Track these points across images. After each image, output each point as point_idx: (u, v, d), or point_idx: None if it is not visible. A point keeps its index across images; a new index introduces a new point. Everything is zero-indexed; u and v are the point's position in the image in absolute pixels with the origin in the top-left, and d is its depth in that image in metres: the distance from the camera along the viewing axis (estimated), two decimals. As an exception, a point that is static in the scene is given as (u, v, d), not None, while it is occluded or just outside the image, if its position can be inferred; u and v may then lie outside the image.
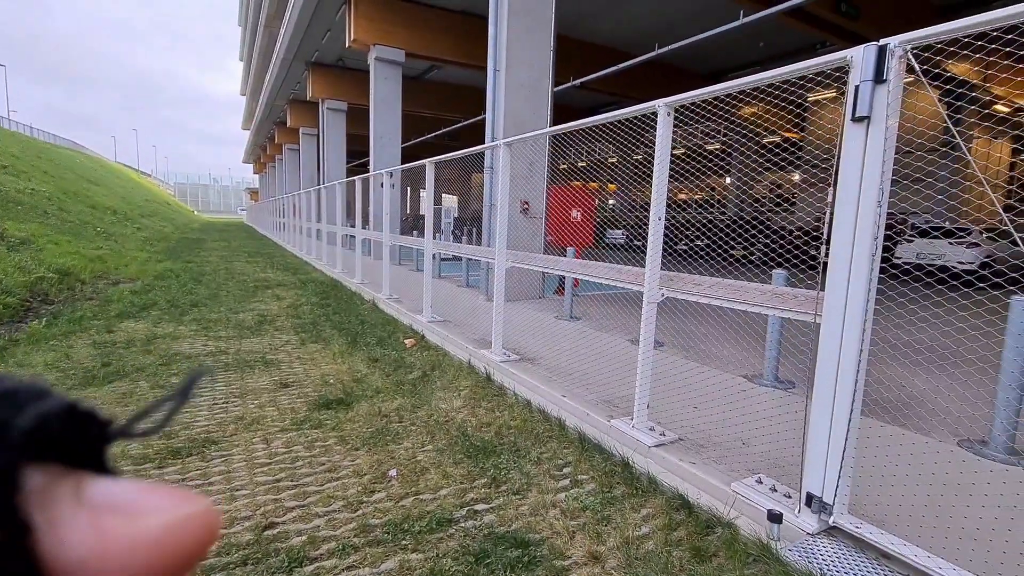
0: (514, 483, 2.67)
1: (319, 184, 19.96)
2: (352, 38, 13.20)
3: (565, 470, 2.84)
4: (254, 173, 65.87)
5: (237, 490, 2.55)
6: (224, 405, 3.66)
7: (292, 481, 2.65)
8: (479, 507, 2.46)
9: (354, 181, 9.31)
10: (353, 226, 10.36)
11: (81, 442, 0.21)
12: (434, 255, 6.90)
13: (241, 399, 3.79)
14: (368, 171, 13.27)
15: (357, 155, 24.93)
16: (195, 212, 66.31)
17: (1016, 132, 16.00)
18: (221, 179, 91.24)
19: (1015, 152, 17.48)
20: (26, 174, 17.12)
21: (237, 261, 13.39)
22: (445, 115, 20.64)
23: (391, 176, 7.92)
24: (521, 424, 3.42)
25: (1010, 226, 1.93)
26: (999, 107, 15.69)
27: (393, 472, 2.75)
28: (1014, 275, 2.14)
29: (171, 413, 0.23)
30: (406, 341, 5.55)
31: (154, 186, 57.90)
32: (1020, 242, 1.81)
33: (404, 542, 2.18)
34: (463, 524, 2.32)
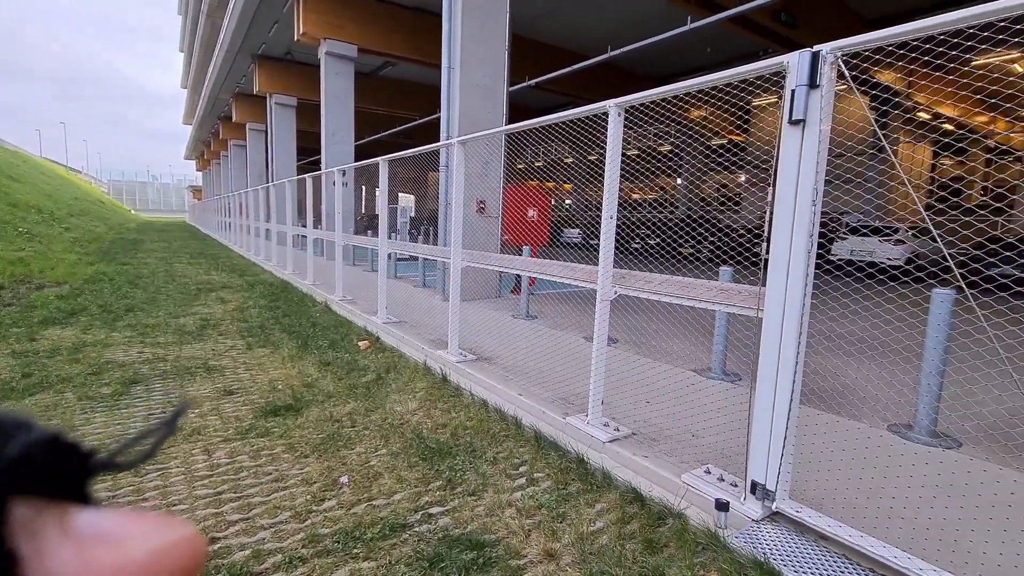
0: (470, 484, 2.64)
1: (268, 182, 19.19)
2: (301, 31, 12.77)
3: (521, 469, 2.83)
4: (197, 170, 62.63)
5: (174, 505, 2.41)
6: (161, 415, 3.45)
7: (235, 493, 2.52)
8: (434, 510, 2.42)
9: (305, 179, 9.00)
10: (304, 226, 10.01)
11: (64, 474, 0.21)
12: (389, 255, 6.76)
13: (181, 408, 3.58)
14: (320, 169, 12.87)
15: (308, 152, 24.16)
16: (132, 211, 62.43)
17: (935, 137, 17.30)
18: (161, 176, 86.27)
19: (935, 155, 18.92)
20: (-67, 169, 15.63)
21: (178, 263, 12.68)
22: (399, 113, 20.31)
23: (344, 174, 7.71)
24: (477, 424, 3.39)
25: (930, 224, 2.06)
26: (921, 114, 16.92)
27: (344, 479, 2.67)
28: (935, 270, 2.30)
29: (156, 445, 0.24)
30: (360, 343, 5.41)
31: (86, 183, 54.02)
32: (939, 239, 1.95)
33: (355, 550, 2.11)
34: (417, 528, 2.27)
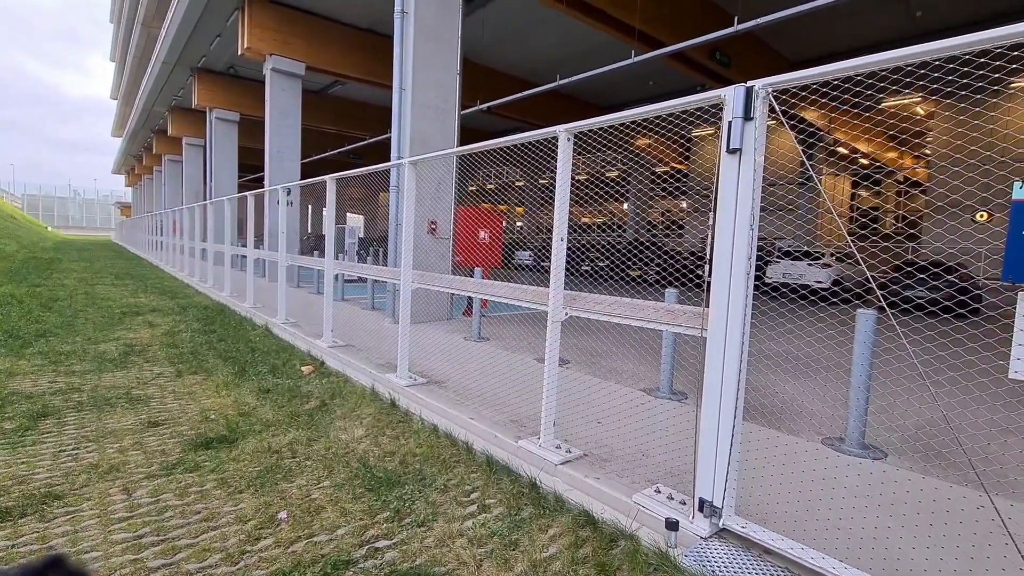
0: (419, 514, 2.54)
1: (206, 199, 18.26)
2: (245, 46, 12.42)
3: (472, 496, 2.76)
4: (127, 185, 58.85)
5: (85, 552, 2.16)
6: (74, 452, 3.12)
7: (158, 536, 2.30)
8: (380, 544, 2.29)
9: (246, 197, 8.63)
10: (244, 245, 9.56)
11: None
12: (336, 276, 6.55)
13: (97, 443, 3.26)
14: (263, 186, 12.41)
15: (251, 169, 23.30)
16: (49, 228, 57.61)
17: (854, 168, 18.94)
18: (84, 191, 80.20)
19: (854, 185, 20.67)
20: None
21: (101, 284, 11.75)
22: (349, 132, 20.04)
23: (289, 192, 7.46)
24: (427, 451, 3.29)
25: (853, 248, 2.22)
26: (841, 149, 18.50)
27: (283, 514, 2.49)
28: (859, 291, 2.47)
29: None
30: (303, 368, 5.17)
31: (-5, 197, 49.48)
32: (862, 263, 2.09)
33: (294, 593, 1.96)
34: (362, 564, 2.14)
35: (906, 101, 15.68)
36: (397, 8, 7.39)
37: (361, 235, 17.82)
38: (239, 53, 12.97)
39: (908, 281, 7.27)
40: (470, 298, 7.20)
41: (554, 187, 2.97)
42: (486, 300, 6.22)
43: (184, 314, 8.11)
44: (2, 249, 19.29)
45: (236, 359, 5.46)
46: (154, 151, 30.68)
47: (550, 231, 3.07)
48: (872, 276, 2.08)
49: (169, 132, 23.87)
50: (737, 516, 2.23)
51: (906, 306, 2.60)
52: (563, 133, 2.92)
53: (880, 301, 2.03)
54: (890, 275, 8.11)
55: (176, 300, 9.54)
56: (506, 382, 4.30)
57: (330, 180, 5.56)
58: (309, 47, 13.08)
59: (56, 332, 6.34)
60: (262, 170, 14.00)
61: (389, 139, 7.71)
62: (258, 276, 9.13)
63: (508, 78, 16.31)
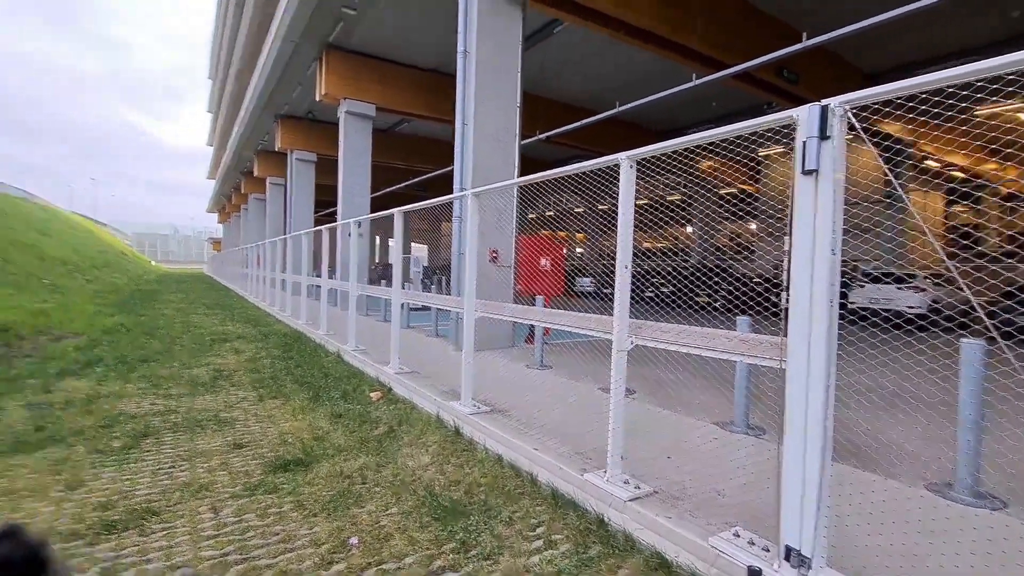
0: (485, 547, 2.51)
1: (285, 233, 19.73)
2: (323, 92, 13.48)
3: (538, 530, 2.70)
4: (218, 223, 64.70)
5: (178, 567, 2.31)
6: (170, 470, 3.39)
7: (242, 555, 2.42)
8: (447, 575, 2.29)
9: (321, 231, 9.22)
10: (319, 276, 10.16)
11: None
12: (402, 305, 6.80)
13: (189, 462, 3.52)
14: (336, 220, 13.23)
15: (325, 205, 24.88)
16: (153, 263, 64.16)
17: (950, 186, 17.36)
18: (182, 229, 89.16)
19: (949, 203, 18.92)
20: (-30, 224, 16.33)
21: (195, 314, 12.87)
22: (415, 166, 21.02)
23: (359, 225, 7.89)
24: (492, 481, 3.27)
25: (955, 272, 2.02)
26: (930, 163, 17.08)
27: (354, 540, 2.55)
28: (963, 319, 2.23)
29: None
30: (372, 394, 5.35)
31: (110, 236, 56.00)
32: (966, 288, 1.90)
33: (364, 621, 1.98)
34: (429, 596, 2.14)
35: (1005, 109, 14.33)
36: (460, 48, 7.77)
37: (425, 264, 18.46)
38: (317, 99, 14.09)
39: (1021, 309, 6.47)
40: (532, 326, 7.21)
41: (614, 212, 2.95)
42: (548, 328, 6.21)
43: (265, 341, 8.68)
44: (114, 282, 21.69)
45: (311, 384, 5.74)
46: (242, 191, 33.65)
47: (611, 257, 3.03)
48: (978, 303, 1.87)
49: (255, 173, 26.15)
50: (830, 568, 2.03)
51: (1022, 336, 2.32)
52: (625, 161, 2.91)
53: (990, 330, 1.82)
54: (999, 301, 7.26)
55: (259, 328, 10.25)
56: (570, 412, 4.22)
57: (398, 213, 5.83)
58: (379, 89, 14.00)
59: (157, 358, 6.97)
60: (335, 205, 14.95)
61: (451, 171, 8.01)
62: (331, 305, 9.64)
63: (567, 107, 16.56)
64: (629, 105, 11.04)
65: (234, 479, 3.26)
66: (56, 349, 7.45)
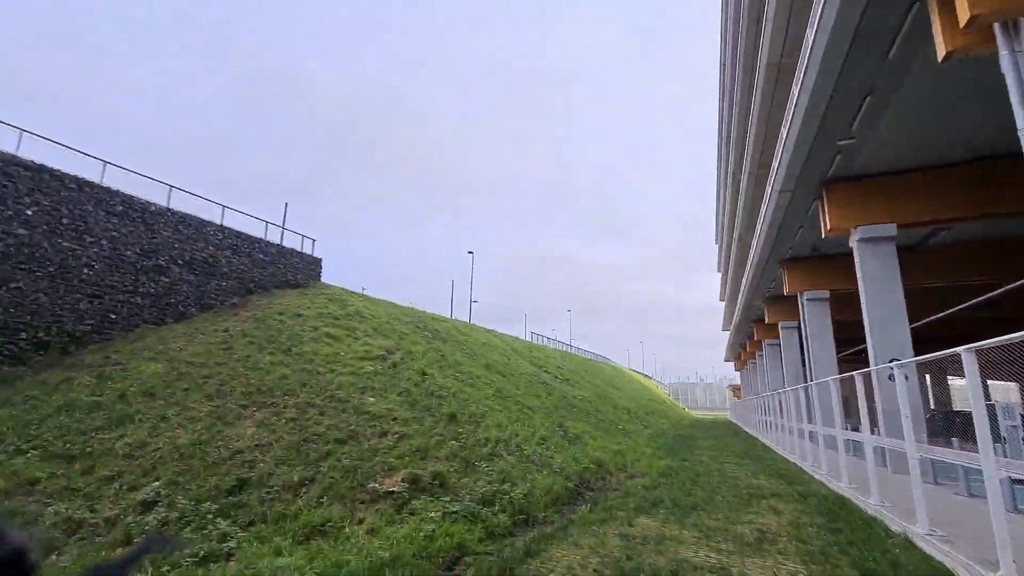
0: None
1: (804, 378, 18.54)
2: (828, 228, 12.95)
3: None
4: (735, 370, 68.45)
5: None
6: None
7: None
8: None
9: (853, 377, 8.17)
10: (855, 430, 8.77)
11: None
12: (1007, 479, 4.82)
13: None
14: (865, 358, 11.46)
15: (847, 343, 22.32)
16: (685, 408, 73.20)
17: None
18: (706, 377, 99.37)
19: None
20: (579, 384, 23.85)
21: (727, 462, 13.45)
22: (969, 280, 16.23)
23: (901, 368, 6.53)
24: None
25: None
26: None
27: None
28: None
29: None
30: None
31: (654, 387, 68.69)
32: None
33: None
34: None
35: None
36: (1019, 125, 5.91)
37: (1022, 411, 12.81)
38: (822, 236, 13.61)
39: None
40: None
41: None
42: None
43: (803, 503, 7.94)
44: (661, 427, 25.88)
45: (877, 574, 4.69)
46: (755, 338, 34.91)
47: None
48: None
49: (766, 320, 26.82)
50: None
51: None
52: None
53: None
54: None
55: (793, 486, 9.57)
56: None
57: (967, 354, 4.49)
58: (895, 206, 12.20)
59: (703, 506, 7.55)
60: (860, 342, 13.10)
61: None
62: (878, 465, 7.97)
63: None
64: None
65: None
66: (631, 486, 9.33)
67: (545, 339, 41.44)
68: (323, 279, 20.50)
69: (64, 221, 12.06)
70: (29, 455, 7.09)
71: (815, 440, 11.67)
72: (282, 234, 19.21)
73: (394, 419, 9.47)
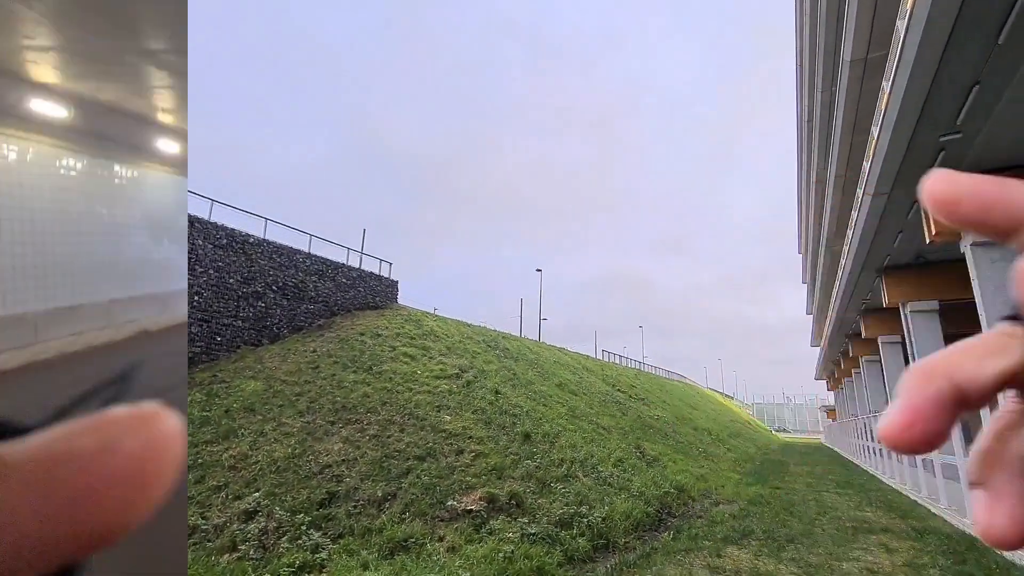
0: None
1: (914, 399, 16.59)
2: (934, 234, 11.72)
3: None
4: (828, 390, 62.95)
5: None
6: None
7: None
8: None
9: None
10: (983, 457, 7.71)
11: None
12: None
13: None
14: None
15: (964, 359, 19.85)
16: (771, 431, 68.14)
17: None
18: (794, 398, 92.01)
19: None
20: (654, 404, 22.99)
21: (825, 491, 12.32)
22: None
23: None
24: None
25: None
26: None
27: None
28: None
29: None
30: None
31: (736, 407, 64.64)
32: None
33: None
34: None
35: None
36: None
37: None
38: (927, 242, 12.33)
39: None
40: None
41: None
42: None
43: (922, 541, 7.09)
44: (746, 451, 24.25)
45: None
46: (850, 354, 31.98)
47: None
48: None
49: (863, 335, 24.52)
50: None
51: None
52: None
53: None
54: None
55: (907, 521, 8.57)
56: None
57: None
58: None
59: (800, 539, 6.95)
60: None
61: None
62: None
63: None
64: None
65: None
66: (717, 513, 8.79)
67: (617, 357, 40.44)
68: (399, 300, 21.43)
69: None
70: (152, 465, 7.91)
71: (930, 468, 10.43)
72: (361, 258, 20.36)
73: (470, 437, 9.61)
